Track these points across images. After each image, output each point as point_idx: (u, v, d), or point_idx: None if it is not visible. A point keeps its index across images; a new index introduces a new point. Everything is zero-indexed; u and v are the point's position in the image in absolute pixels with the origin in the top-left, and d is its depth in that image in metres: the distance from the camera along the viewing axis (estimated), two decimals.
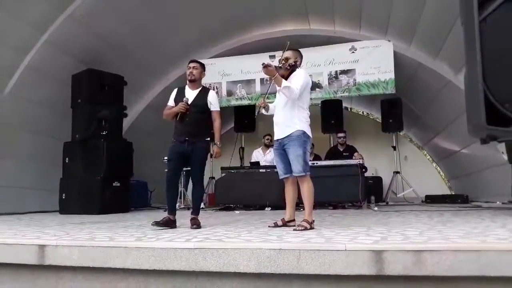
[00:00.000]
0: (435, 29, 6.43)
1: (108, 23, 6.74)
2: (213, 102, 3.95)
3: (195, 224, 3.71)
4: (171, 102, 4.01)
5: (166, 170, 3.88)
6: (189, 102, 3.86)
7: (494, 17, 1.36)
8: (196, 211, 3.88)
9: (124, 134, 7.40)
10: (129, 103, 7.70)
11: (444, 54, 6.81)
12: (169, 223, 3.70)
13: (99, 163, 6.49)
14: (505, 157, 4.65)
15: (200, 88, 4.00)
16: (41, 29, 6.32)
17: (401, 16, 6.85)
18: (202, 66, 4.06)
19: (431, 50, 7.09)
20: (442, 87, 7.28)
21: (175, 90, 4.09)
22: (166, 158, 4.01)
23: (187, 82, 4.01)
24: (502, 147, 5.17)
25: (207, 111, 3.92)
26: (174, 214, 3.80)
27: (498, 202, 6.54)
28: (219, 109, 4.00)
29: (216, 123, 3.94)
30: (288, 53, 3.76)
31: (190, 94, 3.93)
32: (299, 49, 3.88)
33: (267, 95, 4.13)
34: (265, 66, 3.45)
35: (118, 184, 6.60)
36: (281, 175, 3.73)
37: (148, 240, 2.80)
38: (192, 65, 3.99)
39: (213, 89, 7.50)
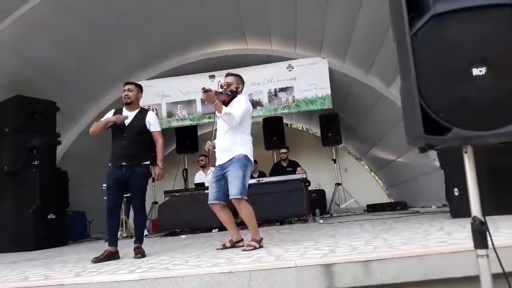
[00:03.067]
0: (366, 46, 6.77)
1: (38, 47, 6.35)
2: (153, 122, 3.83)
3: (139, 253, 3.54)
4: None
5: (106, 198, 3.68)
6: (127, 123, 3.72)
7: (424, 32, 1.43)
8: (139, 239, 3.71)
9: (58, 163, 6.98)
10: (63, 130, 7.29)
11: (376, 69, 7.19)
12: (111, 256, 3.50)
13: (31, 195, 6.03)
14: (437, 163, 4.93)
15: (138, 110, 3.88)
16: None
17: (334, 35, 7.15)
18: (138, 87, 3.95)
19: (364, 66, 7.46)
20: (375, 100, 7.66)
21: (112, 111, 3.93)
22: (105, 185, 3.81)
23: (124, 105, 3.87)
24: (434, 154, 5.49)
25: (147, 133, 3.79)
26: (116, 245, 3.60)
27: (433, 206, 6.90)
28: (160, 129, 3.90)
29: (159, 143, 3.82)
30: (230, 79, 3.74)
31: (128, 116, 3.80)
32: (240, 74, 3.86)
33: (208, 115, 4.07)
34: (205, 91, 3.36)
35: (54, 217, 6.18)
36: (210, 200, 3.61)
37: (88, 274, 2.62)
38: (127, 87, 3.86)
39: (153, 111, 7.33)
